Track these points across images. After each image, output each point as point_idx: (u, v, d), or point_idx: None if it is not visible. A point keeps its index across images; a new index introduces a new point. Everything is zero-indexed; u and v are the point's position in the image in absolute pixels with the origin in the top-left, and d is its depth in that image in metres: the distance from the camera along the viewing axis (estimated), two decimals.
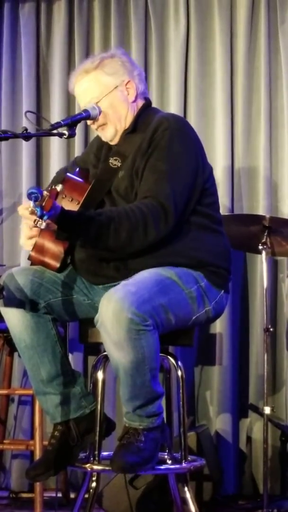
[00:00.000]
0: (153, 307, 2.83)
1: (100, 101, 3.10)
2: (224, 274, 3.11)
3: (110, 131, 3.14)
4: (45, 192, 2.65)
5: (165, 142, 3.01)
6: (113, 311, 2.77)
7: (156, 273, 2.94)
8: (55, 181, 3.36)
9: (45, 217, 2.62)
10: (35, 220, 2.64)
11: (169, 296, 2.91)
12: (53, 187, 2.74)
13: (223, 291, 3.11)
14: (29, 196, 2.60)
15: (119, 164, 3.10)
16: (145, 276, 2.92)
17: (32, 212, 2.63)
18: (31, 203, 2.61)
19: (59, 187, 2.73)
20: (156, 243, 2.95)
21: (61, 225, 2.84)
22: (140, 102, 3.18)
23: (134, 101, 3.15)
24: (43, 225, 2.64)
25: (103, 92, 3.11)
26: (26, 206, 2.76)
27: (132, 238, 2.90)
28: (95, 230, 2.86)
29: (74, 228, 2.86)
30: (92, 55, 3.43)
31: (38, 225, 2.64)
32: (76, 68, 3.23)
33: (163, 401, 2.97)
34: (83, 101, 3.14)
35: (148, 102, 3.21)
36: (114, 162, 3.12)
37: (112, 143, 3.18)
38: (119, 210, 2.92)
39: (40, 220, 2.62)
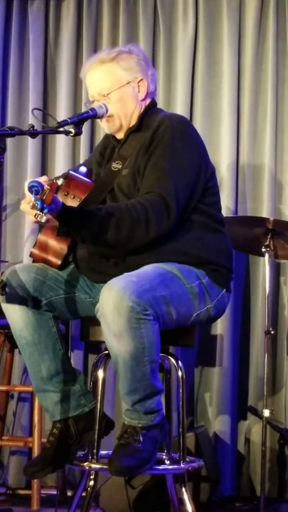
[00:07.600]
0: (154, 297, 2.83)
1: (111, 93, 3.10)
2: (225, 273, 3.11)
3: (115, 124, 3.14)
4: (45, 186, 2.62)
5: (166, 139, 3.01)
6: (113, 299, 2.76)
7: (157, 267, 2.95)
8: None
9: (45, 211, 2.60)
10: (36, 215, 2.63)
11: (170, 289, 2.91)
12: (54, 180, 2.72)
13: (224, 290, 3.10)
14: (30, 189, 2.60)
15: (119, 167, 3.10)
16: (147, 269, 2.92)
17: (33, 207, 2.61)
18: (32, 197, 2.61)
19: (60, 181, 2.71)
20: (158, 241, 2.95)
21: (62, 220, 2.84)
22: (148, 101, 3.19)
23: (143, 99, 3.16)
24: (44, 219, 2.63)
25: (115, 85, 3.11)
26: (27, 201, 2.76)
27: (133, 233, 2.90)
28: (96, 225, 2.86)
29: (75, 223, 2.86)
30: (109, 47, 3.44)
31: (38, 218, 2.63)
32: (92, 57, 3.22)
33: (162, 401, 2.97)
34: (94, 90, 3.14)
35: (153, 102, 3.22)
36: (116, 165, 3.13)
37: (118, 136, 3.18)
38: (120, 205, 2.92)
39: (41, 213, 2.61)
